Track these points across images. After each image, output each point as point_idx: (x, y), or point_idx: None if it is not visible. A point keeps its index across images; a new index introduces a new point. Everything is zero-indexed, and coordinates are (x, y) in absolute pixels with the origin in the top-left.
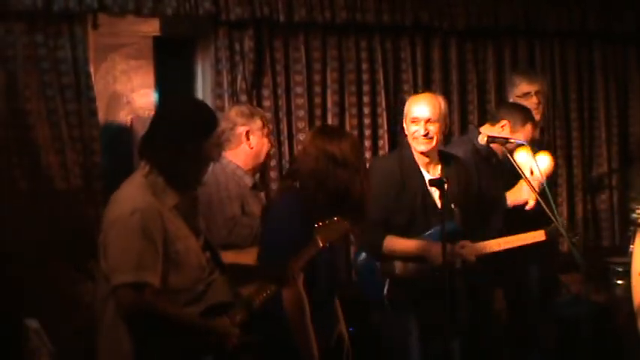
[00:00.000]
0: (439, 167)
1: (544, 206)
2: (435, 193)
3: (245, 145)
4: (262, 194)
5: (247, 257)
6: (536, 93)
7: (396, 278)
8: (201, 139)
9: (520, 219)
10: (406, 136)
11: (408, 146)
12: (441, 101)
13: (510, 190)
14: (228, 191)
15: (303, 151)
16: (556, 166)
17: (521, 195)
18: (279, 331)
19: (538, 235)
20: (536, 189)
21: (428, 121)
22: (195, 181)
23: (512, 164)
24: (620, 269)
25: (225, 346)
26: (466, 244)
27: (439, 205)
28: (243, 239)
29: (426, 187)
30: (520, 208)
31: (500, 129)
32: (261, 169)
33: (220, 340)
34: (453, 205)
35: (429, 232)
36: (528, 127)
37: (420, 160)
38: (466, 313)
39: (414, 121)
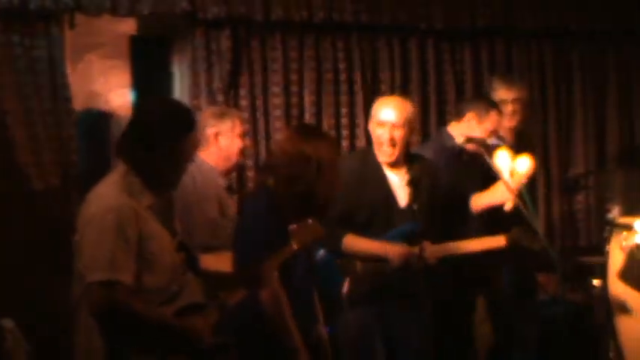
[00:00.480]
0: (404, 167)
1: (522, 210)
2: (398, 192)
3: (214, 146)
4: (235, 197)
5: (227, 259)
6: (513, 101)
7: (357, 276)
8: (179, 140)
9: (500, 222)
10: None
11: (369, 147)
12: (408, 106)
13: (487, 190)
14: (205, 191)
15: (280, 148)
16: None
17: (499, 196)
18: (254, 332)
19: (498, 241)
20: (515, 191)
21: (393, 125)
22: (172, 181)
23: (489, 165)
24: (596, 269)
25: (198, 347)
26: (427, 246)
27: (401, 205)
28: (225, 241)
29: (389, 186)
30: (499, 210)
31: (467, 123)
32: (234, 170)
33: (194, 340)
34: (416, 206)
35: (391, 232)
36: (493, 114)
37: (382, 160)
38: (430, 313)
39: (380, 124)
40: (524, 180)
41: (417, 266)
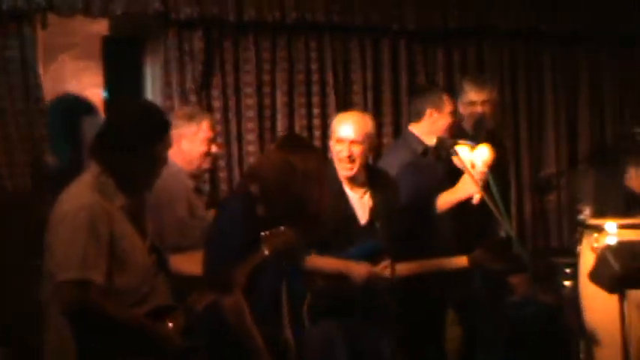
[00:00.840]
0: (365, 184)
1: (488, 202)
2: (358, 210)
3: (177, 148)
4: (204, 198)
5: (196, 261)
6: (483, 102)
7: (318, 291)
8: (153, 143)
9: (469, 218)
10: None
11: (332, 163)
12: (368, 121)
13: (454, 186)
14: (175, 193)
15: (267, 157)
16: (507, 163)
17: (466, 190)
18: (222, 336)
19: (461, 261)
20: (481, 182)
21: (352, 142)
22: (145, 184)
23: (454, 161)
24: (567, 270)
25: (167, 349)
26: (390, 264)
27: (361, 222)
28: (194, 241)
29: (349, 203)
30: (468, 205)
31: (429, 119)
32: (200, 174)
33: (164, 342)
34: (377, 224)
35: (353, 249)
36: (446, 100)
37: (342, 176)
38: (397, 323)
39: (339, 141)
40: (485, 169)
41: (380, 285)
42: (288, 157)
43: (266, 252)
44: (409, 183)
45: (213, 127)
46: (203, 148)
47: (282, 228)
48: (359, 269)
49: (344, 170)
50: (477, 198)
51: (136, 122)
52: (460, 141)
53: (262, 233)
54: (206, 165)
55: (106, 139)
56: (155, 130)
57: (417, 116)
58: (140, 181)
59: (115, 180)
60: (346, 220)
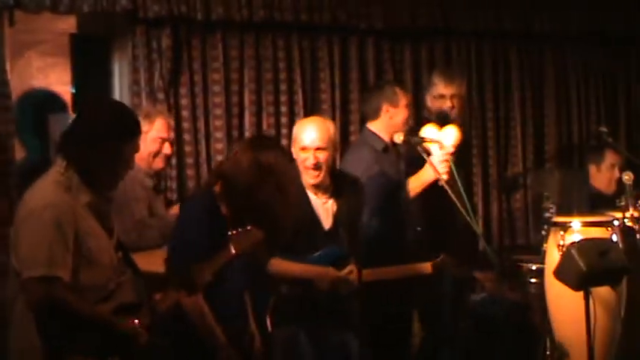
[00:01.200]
0: (328, 188)
1: (453, 197)
2: (322, 215)
3: None
4: (162, 197)
5: (156, 259)
6: (452, 97)
7: (281, 297)
8: (122, 143)
9: (436, 219)
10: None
11: (296, 166)
12: (330, 126)
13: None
14: (134, 192)
15: (236, 157)
16: (471, 164)
17: (429, 174)
18: (187, 334)
19: (424, 268)
20: (448, 162)
21: (317, 149)
22: (110, 183)
23: (419, 151)
24: (534, 268)
25: (132, 347)
26: (355, 270)
27: (325, 227)
28: (153, 242)
29: (312, 209)
30: (435, 206)
31: (386, 115)
32: (154, 173)
33: (131, 339)
34: (341, 229)
35: (318, 255)
36: (401, 94)
37: (307, 182)
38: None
39: (304, 149)
40: (452, 149)
41: (345, 290)
42: (258, 159)
43: (233, 251)
44: (374, 188)
45: (168, 128)
46: (153, 148)
47: (249, 228)
48: (324, 274)
49: (310, 178)
50: (444, 178)
51: (108, 121)
52: (426, 138)
53: (230, 232)
54: (159, 165)
55: (74, 135)
56: (125, 130)
57: (374, 114)
58: (105, 180)
59: (80, 176)
60: (310, 226)
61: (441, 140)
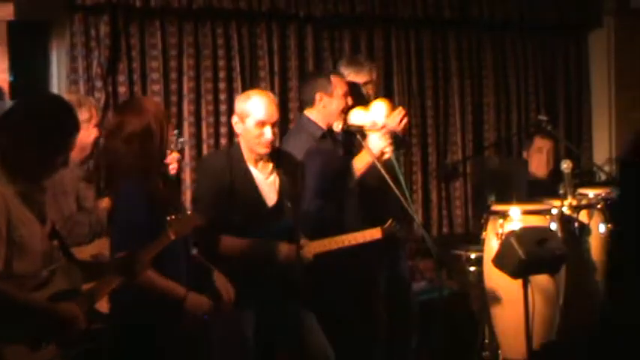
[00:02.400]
0: (269, 165)
1: (391, 184)
2: (266, 191)
3: None
4: (93, 185)
5: (85, 256)
6: (365, 84)
7: (235, 276)
8: (57, 137)
9: (375, 207)
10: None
11: (236, 144)
12: (275, 99)
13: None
14: (63, 186)
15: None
16: (410, 152)
17: (376, 147)
18: (129, 319)
19: (374, 233)
20: (387, 135)
21: (273, 124)
22: (41, 174)
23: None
24: (473, 256)
25: (69, 333)
26: (304, 242)
27: (269, 203)
28: (82, 238)
29: (256, 185)
30: (373, 194)
31: (320, 104)
32: (89, 160)
33: (67, 326)
34: (287, 203)
35: (265, 230)
36: (334, 78)
37: (249, 159)
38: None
39: (262, 124)
40: (386, 120)
41: (296, 263)
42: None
43: (172, 236)
44: (315, 166)
45: (99, 113)
46: (96, 133)
47: (188, 212)
48: (276, 248)
49: (262, 149)
50: (388, 153)
51: (44, 115)
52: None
53: (168, 217)
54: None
55: (8, 125)
56: (62, 126)
57: (309, 102)
58: (36, 170)
59: (11, 166)
60: (255, 202)
61: (375, 119)
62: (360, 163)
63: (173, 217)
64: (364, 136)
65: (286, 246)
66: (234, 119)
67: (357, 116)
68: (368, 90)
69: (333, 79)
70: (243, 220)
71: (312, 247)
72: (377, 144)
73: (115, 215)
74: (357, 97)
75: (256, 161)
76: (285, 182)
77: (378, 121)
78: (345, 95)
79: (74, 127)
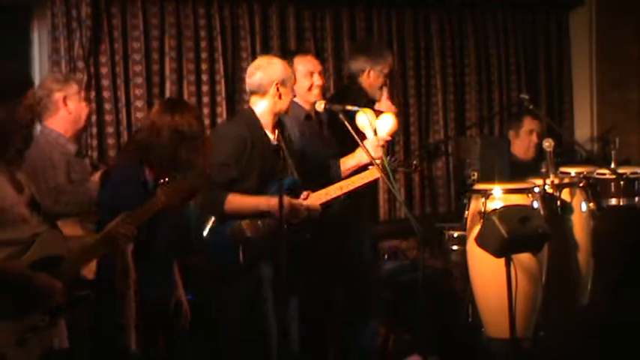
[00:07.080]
0: (277, 130)
1: (386, 180)
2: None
3: (63, 110)
4: (87, 160)
5: (71, 226)
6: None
7: (248, 241)
8: (9, 101)
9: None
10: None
11: (250, 111)
12: None
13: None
14: (51, 160)
15: (151, 124)
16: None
17: (369, 155)
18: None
19: (373, 173)
20: (383, 149)
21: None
22: (7, 144)
23: (349, 130)
24: (455, 235)
25: (51, 301)
26: (309, 194)
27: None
28: (68, 208)
29: (273, 148)
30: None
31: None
32: (81, 132)
33: (46, 293)
34: (291, 162)
35: (270, 186)
36: (298, 61)
37: (266, 124)
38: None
39: (310, 74)
40: (387, 138)
41: (303, 215)
42: (172, 121)
43: (162, 199)
44: (302, 141)
45: (84, 88)
46: (87, 105)
47: (179, 177)
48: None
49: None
50: (378, 163)
51: None
52: (347, 106)
53: (160, 181)
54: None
55: None
56: (11, 88)
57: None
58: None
59: None
60: (272, 165)
61: (378, 127)
62: (348, 163)
63: (164, 181)
64: (347, 114)
65: (291, 199)
66: (271, 91)
67: (363, 120)
68: (384, 81)
69: (295, 59)
70: (263, 182)
71: (317, 198)
72: (372, 151)
73: (105, 190)
74: (366, 100)
75: (271, 127)
76: (286, 141)
77: (380, 134)
78: (311, 73)
79: (26, 86)
